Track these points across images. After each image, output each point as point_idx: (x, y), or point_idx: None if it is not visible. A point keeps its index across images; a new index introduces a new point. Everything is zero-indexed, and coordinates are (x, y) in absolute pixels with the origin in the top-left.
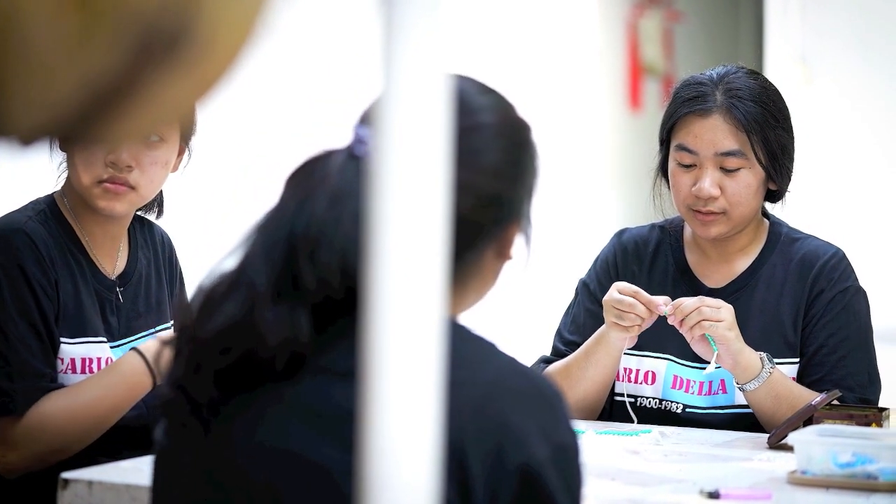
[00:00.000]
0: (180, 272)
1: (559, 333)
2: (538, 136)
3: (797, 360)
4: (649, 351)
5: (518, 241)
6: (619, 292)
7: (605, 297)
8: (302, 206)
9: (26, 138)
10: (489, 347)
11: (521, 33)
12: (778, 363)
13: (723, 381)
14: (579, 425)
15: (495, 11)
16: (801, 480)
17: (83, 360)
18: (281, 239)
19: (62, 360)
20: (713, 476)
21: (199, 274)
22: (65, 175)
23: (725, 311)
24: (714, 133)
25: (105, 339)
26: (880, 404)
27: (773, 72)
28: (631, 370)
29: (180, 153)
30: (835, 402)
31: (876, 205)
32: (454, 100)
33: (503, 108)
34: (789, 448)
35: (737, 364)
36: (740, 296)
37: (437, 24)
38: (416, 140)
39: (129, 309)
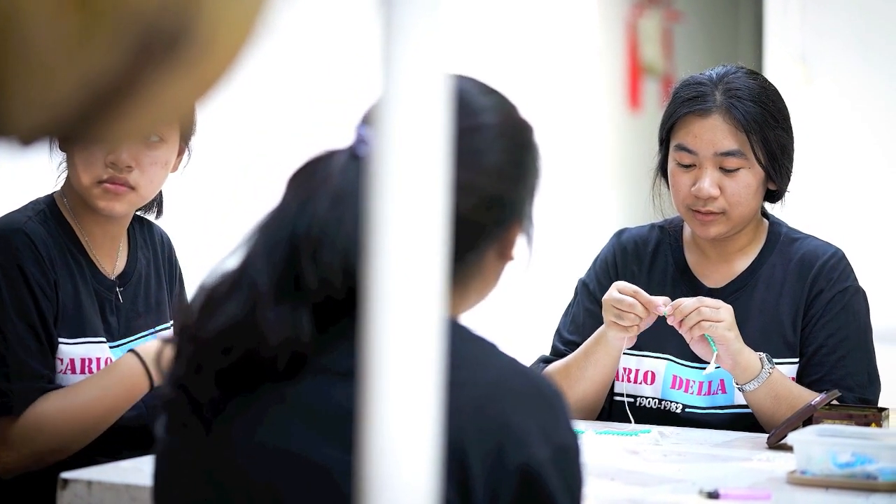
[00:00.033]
0: (180, 272)
1: (558, 333)
2: (539, 137)
3: (796, 360)
4: (649, 351)
5: (520, 242)
6: (619, 292)
7: (605, 296)
8: (304, 207)
9: (26, 138)
10: (490, 348)
11: (520, 33)
12: (777, 363)
13: (722, 381)
14: (579, 425)
15: (495, 11)
16: (800, 480)
17: (83, 360)
18: (283, 239)
19: (61, 360)
20: (712, 476)
21: (199, 274)
22: (64, 175)
23: (725, 311)
24: (713, 133)
25: (104, 340)
26: (880, 404)
27: (773, 71)
28: (630, 370)
29: (180, 153)
30: (834, 402)
31: (875, 204)
32: (456, 100)
33: (505, 109)
34: (789, 448)
35: (736, 364)
36: (740, 296)
37: (436, 24)
38: (416, 140)
39: (128, 309)
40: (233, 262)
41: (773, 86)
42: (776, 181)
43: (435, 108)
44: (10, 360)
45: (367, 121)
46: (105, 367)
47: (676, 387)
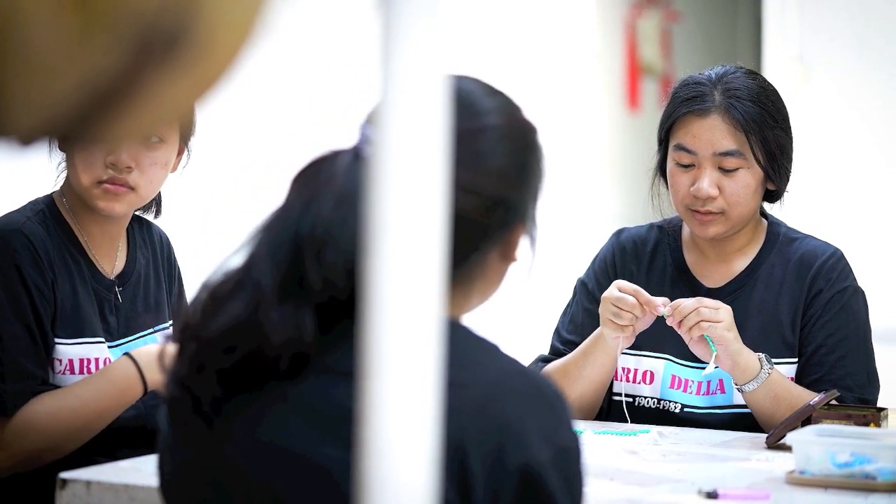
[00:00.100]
0: (179, 272)
1: (557, 333)
2: (544, 139)
3: (795, 360)
4: (647, 351)
5: (523, 244)
6: (619, 290)
7: (605, 294)
8: (308, 207)
9: (26, 138)
10: (491, 348)
11: (519, 33)
12: (776, 363)
13: (721, 380)
14: (577, 425)
15: (494, 12)
16: (799, 480)
17: (81, 360)
18: (287, 240)
19: (60, 360)
20: (711, 476)
21: (198, 274)
22: (64, 175)
23: (724, 311)
24: (712, 133)
25: (103, 340)
26: (879, 404)
27: (771, 71)
28: (629, 370)
29: (179, 153)
30: (833, 402)
31: (874, 204)
32: (461, 102)
33: (510, 111)
34: (787, 448)
35: (735, 365)
36: (739, 296)
37: (435, 24)
38: (416, 141)
39: (127, 309)
40: (236, 261)
41: (772, 86)
42: (775, 181)
43: (434, 108)
44: (5, 361)
45: (371, 121)
46: (99, 370)
47: (675, 387)
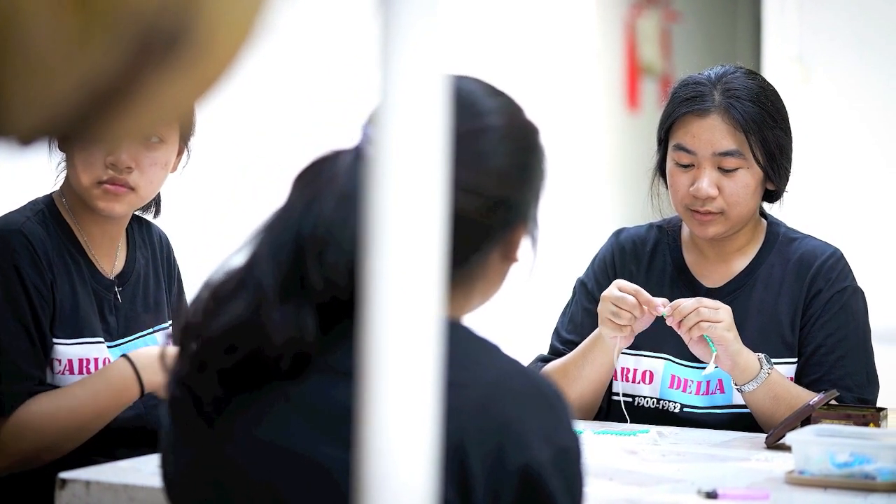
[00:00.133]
0: (178, 272)
1: (557, 332)
2: (545, 139)
3: (795, 360)
4: (647, 350)
5: (524, 244)
6: (619, 290)
7: (605, 293)
8: (310, 207)
9: (26, 138)
10: (492, 349)
11: (518, 33)
12: (776, 363)
13: (720, 380)
14: (577, 425)
15: (493, 12)
16: (798, 480)
17: (80, 360)
18: (288, 240)
19: (59, 360)
20: (711, 476)
21: (198, 273)
22: (63, 175)
23: (724, 311)
24: (712, 133)
25: (102, 340)
26: (878, 404)
27: (771, 71)
28: (629, 370)
29: (179, 153)
30: (833, 401)
31: (874, 204)
32: (463, 102)
33: (511, 111)
34: (787, 448)
35: (735, 365)
36: (738, 295)
37: (435, 24)
38: (415, 141)
39: (127, 309)
40: (238, 261)
41: (771, 86)
42: (774, 181)
43: (434, 108)
44: (2, 361)
45: (373, 120)
46: (97, 371)
47: (675, 386)
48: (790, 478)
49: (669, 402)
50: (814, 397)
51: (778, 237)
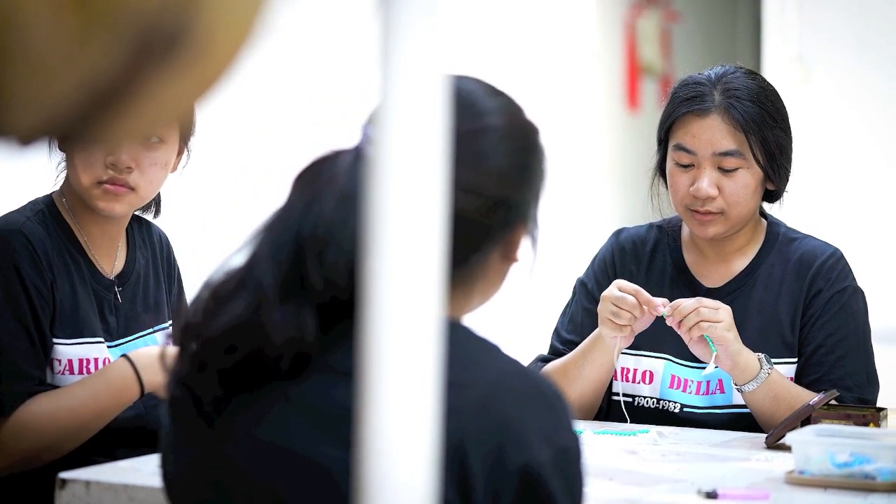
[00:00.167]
0: (178, 272)
1: (557, 332)
2: (546, 139)
3: (795, 360)
4: (647, 350)
5: (524, 244)
6: (620, 290)
7: (605, 293)
8: (310, 207)
9: (26, 138)
10: (492, 349)
11: (518, 33)
12: (776, 363)
13: (720, 380)
14: (577, 425)
15: (493, 12)
16: (798, 480)
17: (80, 360)
18: (288, 240)
19: (59, 360)
20: (711, 476)
21: (198, 273)
22: (63, 175)
23: (724, 311)
24: (712, 133)
25: (102, 340)
26: (878, 404)
27: (771, 71)
28: (628, 370)
29: (179, 153)
30: (833, 402)
31: (874, 204)
32: (463, 102)
33: (512, 111)
34: (787, 448)
35: (735, 365)
36: (738, 295)
37: (434, 24)
38: (415, 141)
39: (127, 309)
40: (238, 260)
41: (771, 86)
42: (774, 181)
43: (433, 108)
44: (2, 361)
45: (373, 120)
46: (96, 371)
47: (675, 386)
48: (790, 478)
49: (669, 402)
50: (814, 397)
51: (778, 237)
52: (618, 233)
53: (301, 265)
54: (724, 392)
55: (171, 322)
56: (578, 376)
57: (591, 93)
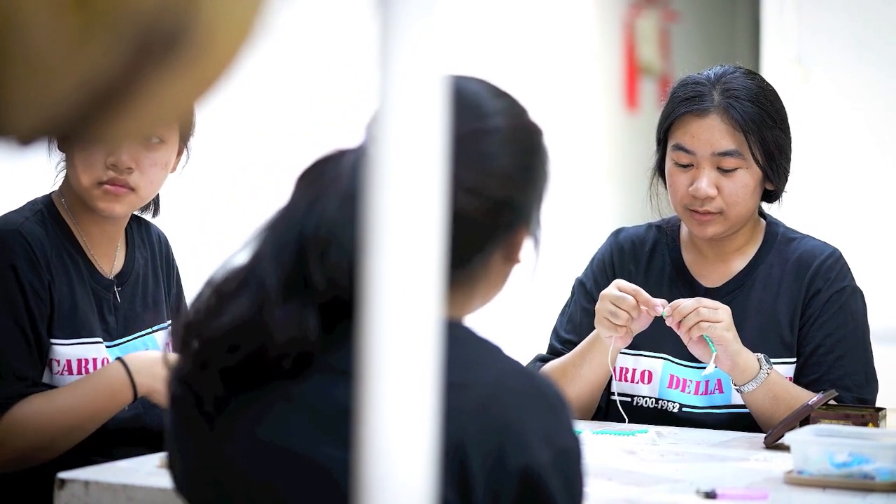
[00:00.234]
0: (177, 272)
1: (556, 332)
2: (549, 141)
3: (794, 360)
4: (646, 350)
5: (526, 246)
6: (619, 289)
7: (604, 292)
8: (313, 206)
9: (25, 138)
10: (493, 349)
11: (517, 33)
12: (774, 363)
13: (719, 380)
14: (576, 425)
15: (492, 12)
16: (797, 480)
17: (79, 360)
18: (291, 239)
19: (58, 361)
20: (710, 476)
21: (197, 273)
22: (62, 175)
23: (723, 312)
24: (711, 133)
25: (101, 340)
26: (877, 404)
27: (770, 71)
28: (627, 369)
29: (179, 153)
30: (831, 401)
31: (873, 204)
32: (467, 103)
33: (516, 112)
34: (786, 448)
35: (735, 365)
36: (737, 295)
37: (433, 24)
38: (414, 141)
39: (126, 308)
40: (241, 259)
41: (770, 86)
42: (773, 181)
43: (433, 108)
44: None
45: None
46: (90, 374)
47: (673, 386)
48: (789, 478)
49: (668, 401)
50: (813, 397)
51: (777, 237)
52: (616, 233)
53: (304, 265)
54: (722, 392)
55: (170, 322)
56: (577, 376)
57: (589, 93)
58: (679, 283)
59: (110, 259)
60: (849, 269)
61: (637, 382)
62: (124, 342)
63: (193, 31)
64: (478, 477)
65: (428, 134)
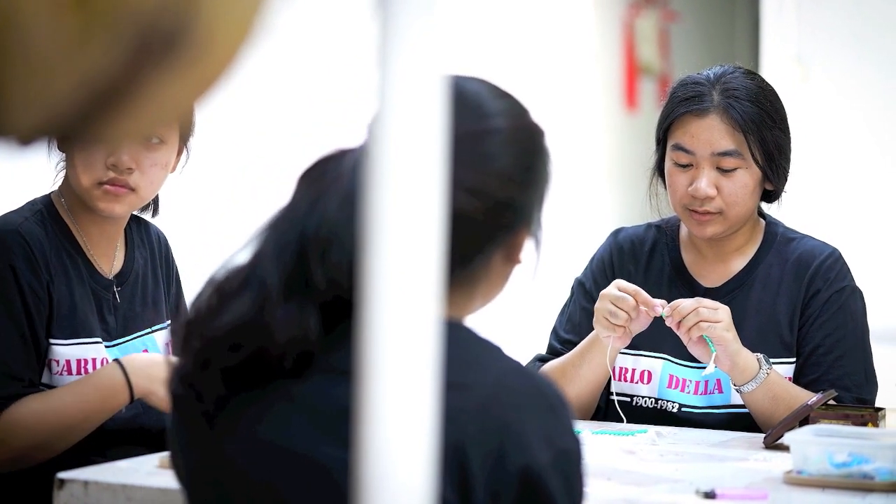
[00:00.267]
0: (177, 271)
1: (555, 332)
2: (551, 142)
3: (793, 360)
4: (645, 350)
5: (527, 246)
6: (619, 289)
7: (604, 291)
8: (314, 206)
9: (25, 138)
10: (493, 350)
11: (517, 33)
12: (774, 363)
13: (719, 380)
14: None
15: (492, 12)
16: (797, 480)
17: (78, 361)
18: (293, 239)
19: (57, 361)
20: (709, 476)
21: (196, 273)
22: (62, 175)
23: (723, 312)
24: (711, 133)
25: (100, 340)
26: (877, 404)
27: (769, 71)
28: (627, 369)
29: (178, 153)
30: (831, 401)
31: (872, 204)
32: (468, 103)
33: (517, 113)
34: (785, 448)
35: (734, 365)
36: (736, 295)
37: (433, 24)
38: (413, 141)
39: (126, 308)
40: (242, 258)
41: (770, 86)
42: (773, 181)
43: (432, 108)
44: None
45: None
46: (87, 375)
47: (673, 386)
48: (788, 478)
49: (668, 401)
50: (812, 397)
51: (776, 237)
52: (616, 233)
53: (305, 264)
54: (722, 392)
55: (169, 322)
56: (576, 376)
57: (589, 93)
58: (678, 283)
59: (110, 259)
60: (848, 269)
61: (636, 382)
62: (124, 342)
63: (193, 31)
64: (478, 477)
65: (428, 134)
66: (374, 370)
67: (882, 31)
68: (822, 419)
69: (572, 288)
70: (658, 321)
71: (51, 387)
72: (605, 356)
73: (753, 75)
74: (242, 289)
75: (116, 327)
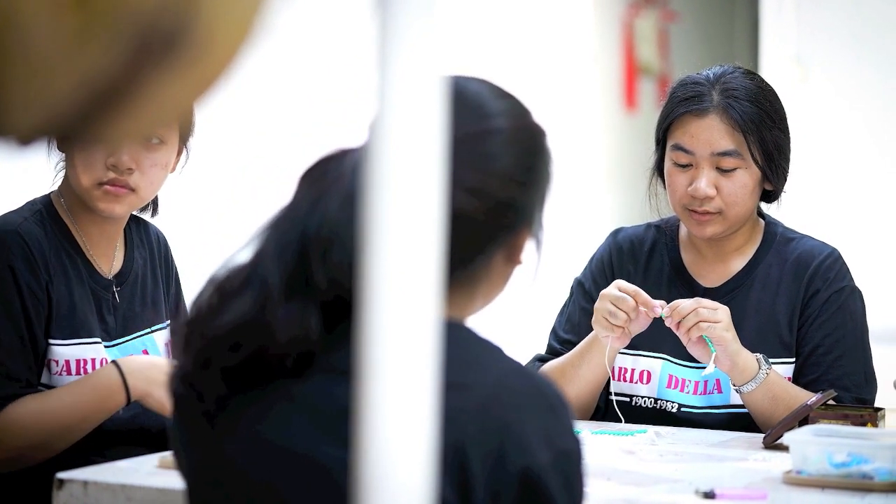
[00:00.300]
0: (176, 271)
1: (554, 332)
2: (552, 142)
3: (793, 360)
4: (645, 350)
5: (528, 247)
6: (620, 290)
7: (604, 291)
8: (315, 206)
9: (26, 138)
10: (494, 350)
11: (516, 33)
12: (773, 363)
13: (718, 380)
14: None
15: (491, 12)
16: (796, 480)
17: (77, 361)
18: (294, 239)
19: (56, 361)
20: (709, 476)
21: (196, 273)
22: (61, 175)
23: (722, 312)
24: (710, 133)
25: (100, 340)
26: (876, 404)
27: (769, 71)
28: (626, 369)
29: (178, 153)
30: (830, 402)
31: (872, 204)
32: (470, 104)
33: (519, 114)
34: (784, 448)
35: (734, 366)
36: (736, 295)
37: (432, 24)
38: (412, 141)
39: (125, 308)
40: (243, 258)
41: (769, 86)
42: (772, 181)
43: (432, 109)
44: None
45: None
46: (84, 376)
47: (672, 386)
48: (788, 478)
49: (667, 401)
50: (812, 397)
51: (775, 237)
52: (615, 233)
53: (306, 264)
54: (721, 392)
55: (169, 322)
56: (575, 376)
57: (588, 93)
58: (678, 284)
59: (109, 259)
60: (847, 269)
61: (636, 382)
62: (123, 342)
63: (193, 31)
64: (478, 477)
65: (428, 134)
66: (374, 370)
67: (881, 31)
68: (821, 419)
69: (572, 288)
70: (658, 321)
71: (50, 387)
72: (605, 356)
73: (753, 75)
74: (243, 288)
75: (116, 327)
